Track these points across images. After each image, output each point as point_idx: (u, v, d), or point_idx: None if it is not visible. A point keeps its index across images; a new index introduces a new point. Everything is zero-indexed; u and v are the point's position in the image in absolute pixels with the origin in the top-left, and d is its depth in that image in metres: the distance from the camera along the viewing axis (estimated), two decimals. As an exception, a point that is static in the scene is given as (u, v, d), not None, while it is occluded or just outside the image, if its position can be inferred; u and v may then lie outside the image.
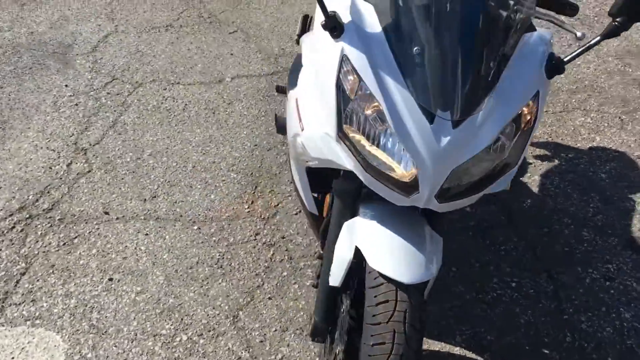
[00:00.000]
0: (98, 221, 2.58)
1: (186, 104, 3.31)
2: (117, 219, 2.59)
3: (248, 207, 2.66)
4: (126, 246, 2.46)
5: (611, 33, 1.34)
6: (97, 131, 3.09)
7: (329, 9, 1.40)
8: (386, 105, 1.29)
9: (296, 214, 2.63)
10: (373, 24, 1.35)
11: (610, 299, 2.27)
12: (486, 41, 1.31)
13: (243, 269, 2.37)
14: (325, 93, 1.38)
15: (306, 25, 2.81)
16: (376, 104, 1.31)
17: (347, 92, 1.33)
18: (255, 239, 2.51)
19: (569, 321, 2.20)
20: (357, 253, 1.48)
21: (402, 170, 1.33)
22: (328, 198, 1.68)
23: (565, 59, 1.41)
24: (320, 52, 1.44)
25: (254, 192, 2.74)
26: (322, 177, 1.93)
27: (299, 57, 1.83)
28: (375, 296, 1.43)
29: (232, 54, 3.76)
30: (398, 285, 1.41)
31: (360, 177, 1.39)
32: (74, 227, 2.54)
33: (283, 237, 2.52)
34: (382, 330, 1.39)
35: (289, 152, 1.97)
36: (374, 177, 1.36)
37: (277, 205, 2.67)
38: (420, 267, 1.42)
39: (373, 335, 1.40)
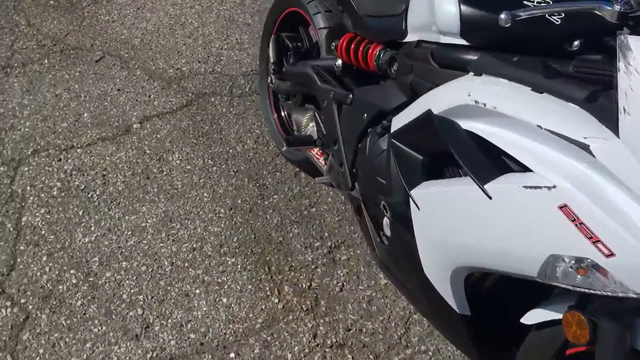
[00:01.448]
0: (89, 394, 1.76)
1: (104, 174, 2.44)
2: (115, 379, 1.79)
3: (278, 301, 2.02)
4: (157, 419, 1.71)
5: None
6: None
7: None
8: None
9: (340, 290, 2.07)
10: None
11: None
12: None
13: (331, 393, 1.78)
14: None
15: (279, 47, 2.18)
16: None
17: None
18: (317, 344, 1.90)
19: None
20: None
21: None
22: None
23: None
24: None
25: (271, 277, 2.09)
26: None
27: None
28: None
29: (119, 90, 2.89)
30: None
31: None
32: (60, 418, 1.70)
33: (348, 329, 1.95)
34: None
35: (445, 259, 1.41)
36: None
37: (311, 285, 2.07)
38: None
39: None
